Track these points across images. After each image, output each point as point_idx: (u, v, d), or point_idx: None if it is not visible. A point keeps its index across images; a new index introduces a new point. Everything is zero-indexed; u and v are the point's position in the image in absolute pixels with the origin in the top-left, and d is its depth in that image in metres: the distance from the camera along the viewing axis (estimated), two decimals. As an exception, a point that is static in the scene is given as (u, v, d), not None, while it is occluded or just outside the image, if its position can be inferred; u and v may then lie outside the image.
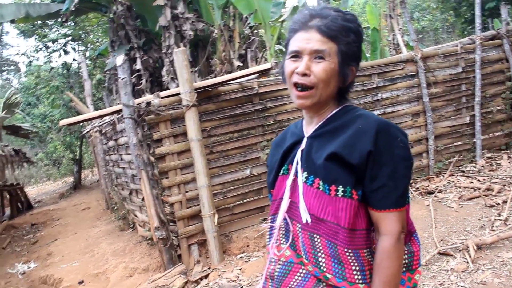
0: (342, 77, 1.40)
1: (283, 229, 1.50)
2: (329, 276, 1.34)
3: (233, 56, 9.32)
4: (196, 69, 9.12)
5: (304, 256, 1.41)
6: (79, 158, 15.26)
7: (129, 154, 6.11)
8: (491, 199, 4.90)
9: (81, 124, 10.31)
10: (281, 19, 9.35)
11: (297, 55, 1.39)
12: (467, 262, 3.60)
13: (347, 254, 1.32)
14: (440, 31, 20.31)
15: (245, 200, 5.45)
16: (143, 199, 5.84)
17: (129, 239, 6.70)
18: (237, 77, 5.21)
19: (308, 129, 1.49)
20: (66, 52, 13.66)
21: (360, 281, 1.33)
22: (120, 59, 4.88)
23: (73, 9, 8.06)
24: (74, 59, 14.43)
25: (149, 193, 4.94)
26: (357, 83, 5.98)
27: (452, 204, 5.06)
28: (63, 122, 5.25)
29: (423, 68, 6.14)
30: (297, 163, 1.47)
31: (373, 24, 11.65)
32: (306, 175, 1.41)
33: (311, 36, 1.37)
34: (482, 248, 3.80)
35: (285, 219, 1.50)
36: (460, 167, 6.32)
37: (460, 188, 5.54)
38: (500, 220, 4.32)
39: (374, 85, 6.05)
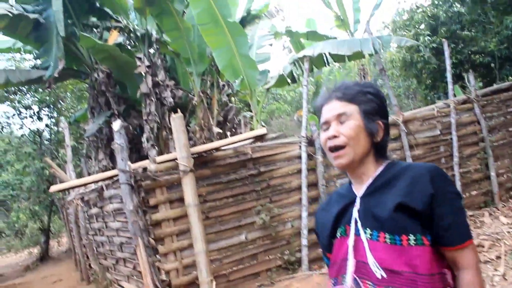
0: (370, 132, 1.51)
1: None
2: None
3: (212, 122, 9.48)
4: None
5: None
6: (47, 228, 14.64)
7: (118, 221, 5.99)
8: (484, 255, 5.02)
9: (53, 192, 10.03)
10: (267, 86, 9.68)
11: (327, 126, 1.53)
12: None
13: None
14: (403, 97, 21.29)
15: (240, 266, 5.37)
16: (134, 267, 5.68)
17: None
18: (233, 142, 5.30)
19: (359, 190, 1.56)
20: (39, 119, 13.49)
21: None
22: (117, 124, 4.89)
23: (56, 75, 8.09)
24: (47, 125, 14.23)
25: (145, 260, 4.80)
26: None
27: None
28: (54, 188, 5.14)
29: (405, 131, 6.43)
30: (356, 222, 1.51)
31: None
32: (370, 232, 1.46)
33: (333, 105, 1.54)
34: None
35: (355, 279, 1.51)
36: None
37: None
38: (498, 275, 4.42)
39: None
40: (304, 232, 5.66)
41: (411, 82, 18.32)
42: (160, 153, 8.95)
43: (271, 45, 10.95)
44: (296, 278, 5.37)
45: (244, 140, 5.38)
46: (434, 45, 14.42)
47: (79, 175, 10.12)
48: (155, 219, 4.95)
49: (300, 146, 5.88)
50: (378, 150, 1.57)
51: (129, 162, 4.91)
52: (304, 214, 5.69)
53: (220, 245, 5.30)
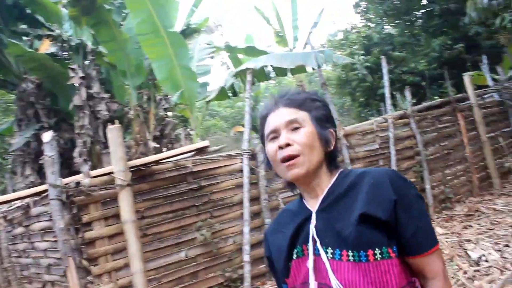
0: (324, 140, 1.41)
1: None
2: None
3: (149, 137, 9.17)
4: (109, 150, 8.76)
5: None
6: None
7: (46, 240, 5.54)
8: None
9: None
10: (207, 99, 9.49)
11: (275, 136, 1.41)
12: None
13: None
14: (338, 114, 21.86)
15: (180, 285, 5.11)
16: (63, 291, 5.26)
17: None
18: (174, 155, 5.07)
19: (313, 204, 1.43)
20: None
21: None
22: (47, 135, 4.54)
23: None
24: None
25: (77, 283, 4.44)
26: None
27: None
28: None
29: (346, 144, 6.49)
30: (314, 241, 1.38)
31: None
32: (332, 250, 1.32)
33: (281, 112, 1.43)
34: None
35: None
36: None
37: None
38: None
39: (302, 163, 6.22)
40: (246, 248, 5.49)
41: (346, 100, 18.92)
42: (93, 168, 8.48)
43: (212, 57, 10.83)
44: (239, 296, 5.19)
45: (185, 153, 5.17)
46: (368, 64, 15.00)
47: (3, 192, 9.41)
48: (89, 237, 4.60)
49: (242, 160, 5.75)
50: (331, 159, 1.45)
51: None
52: (246, 229, 5.54)
53: (159, 264, 5.01)
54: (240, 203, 5.66)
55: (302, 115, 1.41)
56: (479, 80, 11.10)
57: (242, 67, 8.06)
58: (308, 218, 1.41)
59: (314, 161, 1.37)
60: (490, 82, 9.94)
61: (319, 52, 6.72)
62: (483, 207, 6.87)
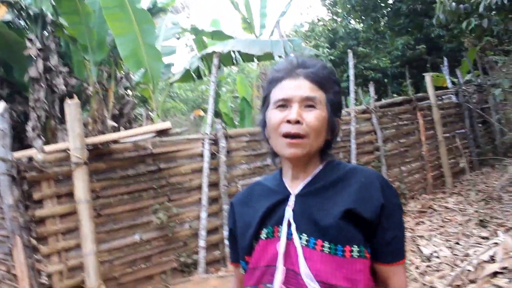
0: (331, 128, 1.35)
1: None
2: None
3: (107, 115, 8.91)
4: (65, 126, 8.45)
5: None
6: None
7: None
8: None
9: None
10: (171, 80, 9.26)
11: (284, 104, 1.31)
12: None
13: None
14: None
15: (133, 268, 4.99)
16: (8, 270, 5.03)
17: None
18: (134, 135, 4.92)
19: (293, 186, 1.37)
20: None
21: None
22: (0, 106, 4.29)
23: None
24: None
25: (23, 262, 4.24)
26: (249, 148, 6.08)
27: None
28: None
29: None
30: (289, 225, 1.31)
31: (242, 94, 12.15)
32: (306, 238, 1.26)
33: (300, 83, 1.31)
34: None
35: None
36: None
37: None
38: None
39: (264, 150, 6.19)
40: (202, 233, 5.43)
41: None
42: (47, 144, 8.14)
43: (178, 38, 10.58)
44: (192, 281, 5.12)
45: (147, 133, 5.01)
46: (332, 57, 15.11)
47: None
48: (39, 215, 4.40)
49: (203, 144, 5.66)
50: (326, 147, 1.38)
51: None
52: (204, 214, 5.48)
53: (112, 246, 4.87)
54: (199, 188, 5.57)
55: (320, 95, 1.31)
56: (438, 81, 11.42)
57: (209, 50, 7.93)
58: (285, 200, 1.35)
59: (315, 146, 1.31)
60: (449, 84, 10.23)
61: (288, 41, 6.66)
62: (436, 204, 7.07)
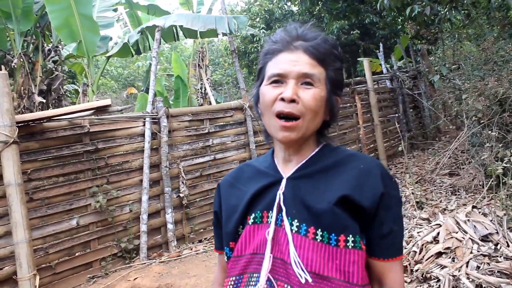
0: (329, 108, 1.22)
1: None
2: None
3: (34, 90, 8.27)
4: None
5: None
6: None
7: None
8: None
9: None
10: (108, 54, 8.68)
11: (279, 80, 1.17)
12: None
13: None
14: (231, 85, 21.79)
15: (70, 256, 4.66)
16: None
17: None
18: (70, 112, 4.54)
19: (287, 169, 1.25)
20: None
21: None
22: None
23: None
24: None
25: None
26: (191, 128, 5.87)
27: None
28: None
29: (251, 116, 6.38)
30: (279, 209, 1.18)
31: (177, 72, 11.83)
32: (297, 224, 1.14)
33: (298, 58, 1.17)
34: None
35: (268, 280, 1.17)
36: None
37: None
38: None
39: (206, 131, 6.01)
40: (144, 217, 5.19)
41: (243, 72, 18.89)
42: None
43: (115, 10, 9.96)
44: (134, 268, 4.88)
45: (85, 110, 4.64)
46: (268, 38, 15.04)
47: None
48: (-39, 199, 3.96)
49: (144, 123, 5.37)
50: (323, 128, 1.26)
51: None
52: (145, 197, 5.23)
53: (46, 232, 4.51)
54: (140, 169, 5.31)
55: (320, 72, 1.17)
56: (372, 67, 11.70)
57: (150, 23, 7.50)
58: (277, 183, 1.22)
59: (311, 128, 1.18)
60: (384, 70, 10.52)
61: (232, 17, 6.45)
62: (373, 186, 7.22)
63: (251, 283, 1.20)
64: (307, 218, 1.14)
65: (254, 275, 1.19)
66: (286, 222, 1.15)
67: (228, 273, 1.27)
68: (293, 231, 1.14)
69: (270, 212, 1.20)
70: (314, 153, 1.24)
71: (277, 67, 1.17)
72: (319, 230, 1.11)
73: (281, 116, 1.14)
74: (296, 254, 1.11)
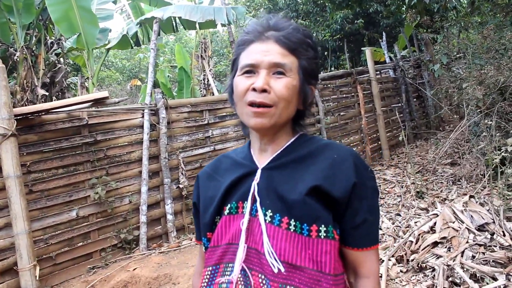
0: (303, 97, 1.23)
1: (241, 283, 1.18)
2: None
3: (37, 83, 8.31)
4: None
5: None
6: None
7: None
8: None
9: None
10: (107, 46, 8.70)
11: (251, 70, 1.18)
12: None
13: None
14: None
15: (70, 247, 4.72)
16: None
17: None
18: (68, 105, 4.57)
19: (262, 160, 1.26)
20: None
21: None
22: None
23: None
24: None
25: None
26: (190, 119, 5.88)
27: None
28: None
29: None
30: (254, 200, 1.20)
31: (180, 64, 11.83)
32: (271, 214, 1.16)
33: (269, 48, 1.18)
34: None
35: (243, 270, 1.19)
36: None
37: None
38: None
39: (206, 122, 6.02)
40: (143, 208, 5.23)
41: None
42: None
43: (114, 2, 9.95)
44: (133, 258, 4.93)
45: (82, 102, 4.67)
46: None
47: None
48: (-39, 192, 4.02)
49: (143, 114, 5.39)
50: (298, 118, 1.27)
51: None
52: (144, 188, 5.26)
53: (46, 223, 4.56)
54: (139, 160, 5.34)
55: (291, 62, 1.18)
56: (376, 56, 11.64)
57: (148, 15, 7.49)
58: (252, 173, 1.24)
59: (284, 117, 1.19)
60: (387, 59, 10.45)
61: (231, 8, 6.43)
62: (374, 176, 7.22)
63: (226, 272, 1.22)
64: (281, 208, 1.15)
65: (230, 265, 1.21)
66: (260, 213, 1.17)
67: (206, 263, 1.29)
68: (267, 221, 1.15)
69: (245, 202, 1.21)
70: (289, 143, 1.26)
71: (249, 58, 1.19)
72: (292, 220, 1.12)
73: (253, 105, 1.15)
74: (270, 244, 1.13)
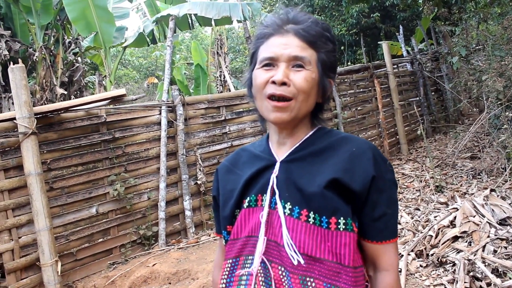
0: (322, 90, 1.23)
1: (261, 275, 1.19)
2: None
3: (56, 83, 8.43)
4: (10, 94, 7.95)
5: None
6: None
7: None
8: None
9: None
10: (124, 45, 8.77)
11: (271, 63, 1.18)
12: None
13: None
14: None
15: (90, 243, 4.79)
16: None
17: None
18: (86, 103, 4.62)
19: (280, 153, 1.26)
20: None
21: None
22: None
23: None
24: None
25: (-31, 240, 3.96)
26: (207, 115, 5.90)
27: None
28: None
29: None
30: (273, 193, 1.21)
31: (196, 61, 11.85)
32: (290, 207, 1.16)
33: (289, 41, 1.18)
34: None
35: (262, 262, 1.20)
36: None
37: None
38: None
39: (223, 118, 6.04)
40: (162, 204, 5.27)
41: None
42: (-11, 113, 7.63)
43: (130, 0, 10.02)
44: (153, 254, 4.98)
45: (100, 100, 4.72)
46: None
47: None
48: (-15, 190, 4.10)
49: (160, 111, 5.42)
50: (317, 111, 1.27)
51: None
52: (162, 185, 5.30)
53: (67, 220, 4.63)
54: (157, 157, 5.38)
55: (310, 55, 1.18)
56: (393, 50, 11.52)
57: (164, 13, 7.53)
58: (271, 166, 1.24)
59: (303, 110, 1.19)
60: (404, 53, 10.33)
61: (246, 4, 6.42)
62: (393, 171, 7.15)
63: (246, 265, 1.23)
64: (300, 201, 1.15)
65: (249, 257, 1.22)
66: (279, 205, 1.18)
67: (226, 256, 1.30)
68: (286, 214, 1.16)
69: (264, 195, 1.22)
70: (307, 136, 1.26)
71: (268, 51, 1.19)
72: (311, 212, 1.13)
73: (273, 98, 1.16)
74: (289, 237, 1.13)
